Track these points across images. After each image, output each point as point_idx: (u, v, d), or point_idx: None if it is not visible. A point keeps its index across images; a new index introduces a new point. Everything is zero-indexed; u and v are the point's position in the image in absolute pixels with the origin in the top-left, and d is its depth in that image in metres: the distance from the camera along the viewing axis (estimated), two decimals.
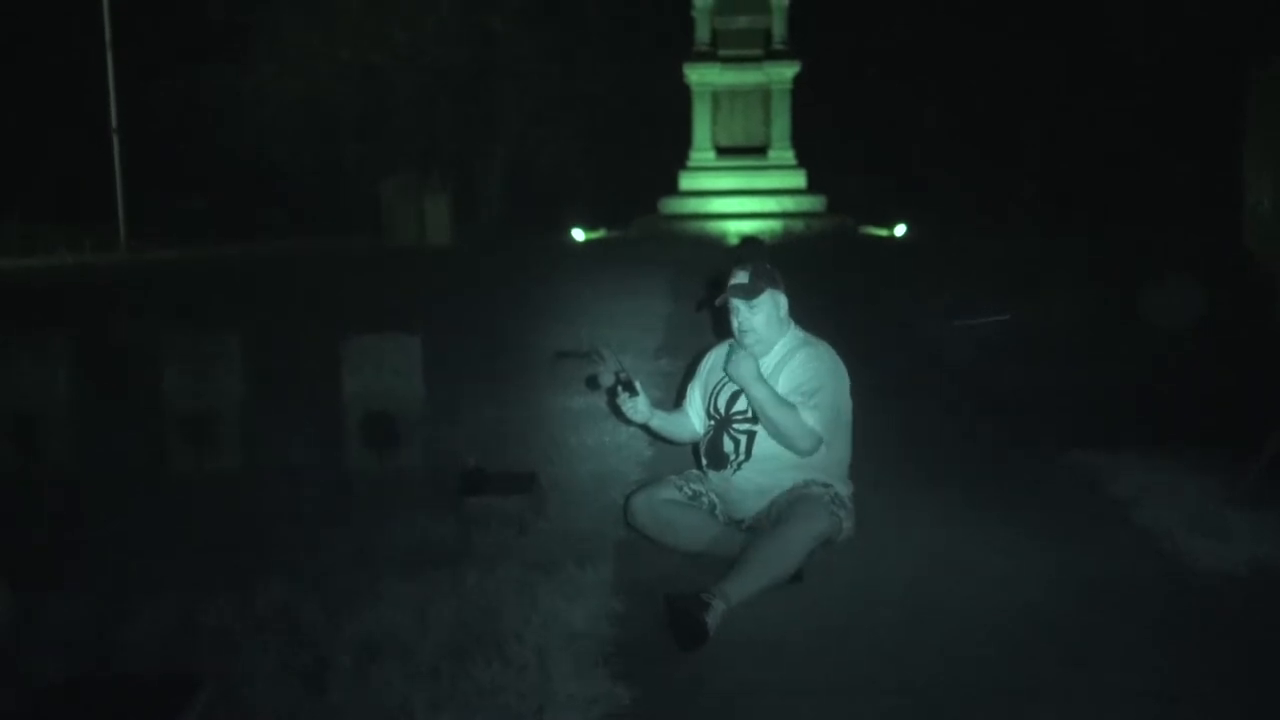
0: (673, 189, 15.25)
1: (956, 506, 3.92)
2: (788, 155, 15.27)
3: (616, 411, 3.69)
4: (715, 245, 12.95)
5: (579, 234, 14.92)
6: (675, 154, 15.63)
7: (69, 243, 16.32)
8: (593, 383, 3.64)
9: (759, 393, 3.29)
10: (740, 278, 3.44)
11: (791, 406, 3.30)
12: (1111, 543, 3.57)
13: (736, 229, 13.75)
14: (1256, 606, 3.08)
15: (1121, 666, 2.69)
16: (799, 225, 13.97)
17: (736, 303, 3.43)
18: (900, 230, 14.67)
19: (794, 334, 3.50)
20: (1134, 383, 5.60)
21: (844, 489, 3.45)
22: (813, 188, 15.16)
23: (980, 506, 3.91)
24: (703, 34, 15.47)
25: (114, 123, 19.34)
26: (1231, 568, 3.31)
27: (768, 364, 3.43)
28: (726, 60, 15.24)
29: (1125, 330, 6.75)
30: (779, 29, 15.34)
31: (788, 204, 14.71)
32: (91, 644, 2.75)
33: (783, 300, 3.47)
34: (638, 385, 3.50)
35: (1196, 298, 6.53)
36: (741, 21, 15.40)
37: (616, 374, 3.47)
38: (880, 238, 14.56)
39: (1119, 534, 3.66)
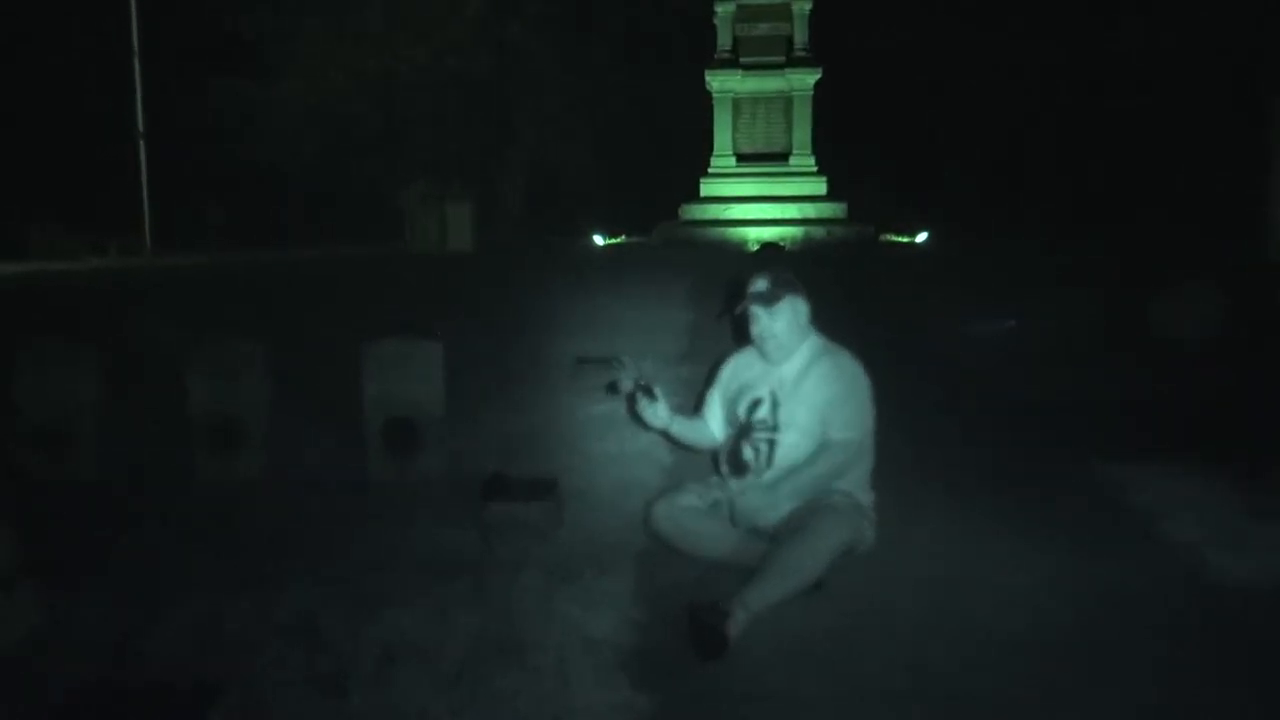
0: (694, 195, 15.24)
1: (977, 516, 3.89)
2: (809, 162, 15.23)
3: (636, 417, 3.68)
4: (736, 251, 12.92)
5: (599, 239, 14.94)
6: (696, 160, 15.63)
7: (94, 249, 16.49)
8: (613, 388, 3.64)
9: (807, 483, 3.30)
10: (760, 285, 3.43)
11: (826, 466, 3.30)
12: (1131, 554, 3.53)
13: (757, 235, 13.72)
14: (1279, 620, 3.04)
15: (1141, 680, 2.67)
16: (820, 232, 13.93)
17: (756, 310, 3.41)
18: (921, 237, 14.61)
19: (814, 341, 3.48)
20: (1153, 392, 5.53)
21: (865, 498, 3.43)
22: (834, 194, 15.12)
23: (1000, 517, 3.88)
24: (724, 41, 15.47)
25: (140, 128, 19.55)
26: (1253, 581, 3.26)
27: (789, 373, 3.41)
28: (748, 67, 15.23)
29: (1142, 338, 6.67)
30: (800, 36, 15.32)
31: (808, 210, 14.67)
32: (114, 649, 2.76)
33: (803, 307, 3.45)
34: (657, 391, 3.50)
35: (1215, 306, 6.45)
36: (763, 28, 15.38)
37: (636, 379, 3.48)
38: (901, 244, 14.50)
39: (1139, 545, 3.62)
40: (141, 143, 19.80)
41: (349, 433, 4.57)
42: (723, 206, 14.84)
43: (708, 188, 15.26)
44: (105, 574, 3.34)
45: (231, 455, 4.48)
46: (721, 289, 8.17)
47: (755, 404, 3.43)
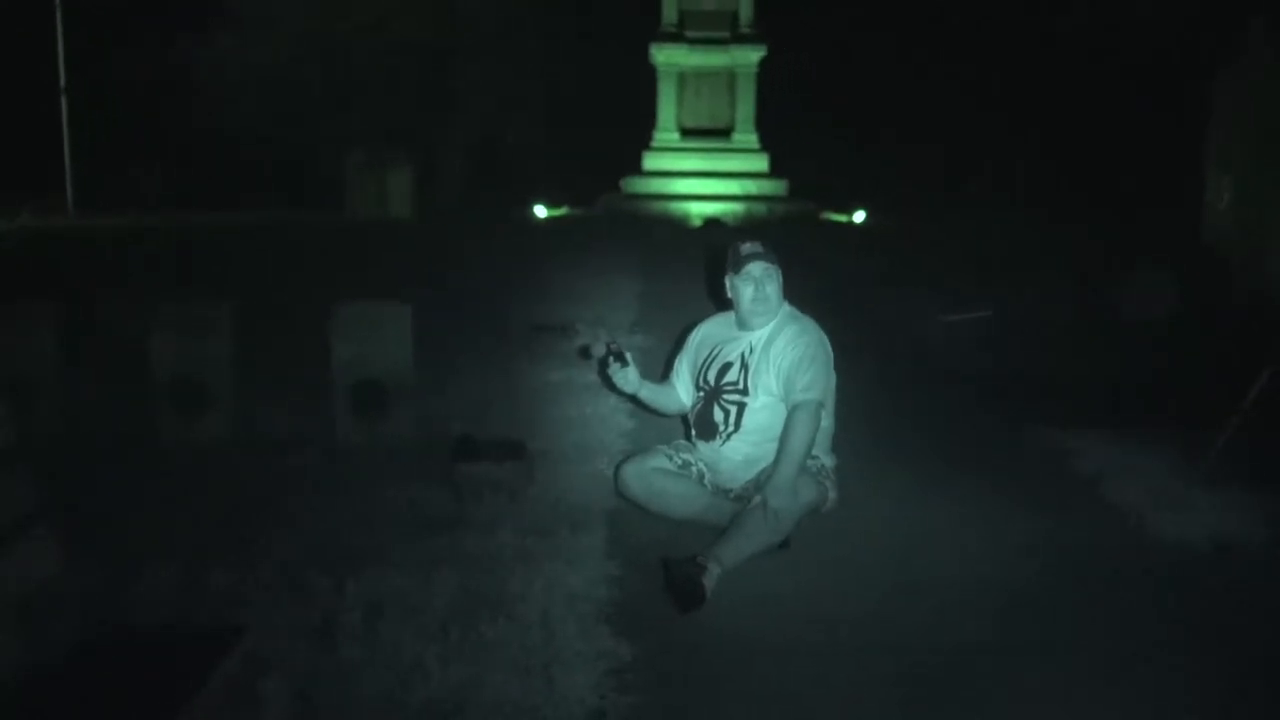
0: (636, 168, 15.27)
1: (933, 479, 4.07)
2: (751, 138, 15.36)
3: (607, 381, 3.77)
4: (679, 226, 13.03)
5: (541, 210, 14.89)
6: (639, 134, 15.63)
7: (9, 209, 15.91)
8: (585, 353, 3.73)
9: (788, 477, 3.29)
10: (758, 246, 3.54)
11: (805, 431, 3.32)
12: (1079, 515, 3.76)
13: (700, 210, 13.83)
14: (1214, 575, 3.28)
15: (1089, 630, 2.86)
16: (761, 209, 14.08)
17: (760, 270, 3.50)
18: (859, 216, 14.85)
19: (785, 309, 3.60)
20: (1097, 367, 5.80)
21: (829, 460, 3.58)
22: (775, 171, 15.28)
23: (955, 480, 4.07)
24: (670, 15, 15.47)
25: (62, 84, 18.85)
26: (1191, 540, 3.51)
27: (759, 339, 3.53)
28: (693, 42, 15.26)
29: (1086, 316, 6.96)
30: (746, 12, 15.39)
31: (750, 187, 14.80)
32: (102, 609, 2.75)
33: (781, 275, 3.57)
34: (629, 356, 3.59)
35: (1157, 286, 6.75)
36: (709, 3, 15.41)
37: (608, 345, 3.57)
38: (840, 223, 14.73)
39: (1087, 507, 3.85)
40: (64, 99, 19.13)
41: (315, 396, 4.56)
42: (665, 180, 14.90)
43: (651, 161, 15.30)
44: (81, 538, 3.26)
45: (194, 420, 4.43)
46: (669, 262, 8.28)
47: (725, 368, 3.54)
